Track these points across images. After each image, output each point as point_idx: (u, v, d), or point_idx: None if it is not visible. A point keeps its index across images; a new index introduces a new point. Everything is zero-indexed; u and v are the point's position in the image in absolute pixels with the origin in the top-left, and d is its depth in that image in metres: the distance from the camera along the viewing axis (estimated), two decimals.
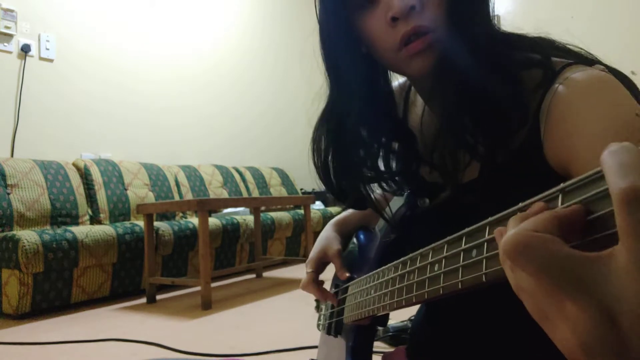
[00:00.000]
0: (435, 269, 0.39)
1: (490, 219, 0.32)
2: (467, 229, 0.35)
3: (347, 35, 0.58)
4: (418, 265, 0.42)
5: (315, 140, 0.66)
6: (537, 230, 0.23)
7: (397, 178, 0.66)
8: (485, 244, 0.32)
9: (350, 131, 0.62)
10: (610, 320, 0.19)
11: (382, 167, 0.66)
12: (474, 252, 0.33)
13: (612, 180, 0.20)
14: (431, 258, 0.40)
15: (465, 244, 0.35)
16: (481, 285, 0.33)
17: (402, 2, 0.51)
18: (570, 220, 0.23)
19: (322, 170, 0.66)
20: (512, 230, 0.23)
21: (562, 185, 0.26)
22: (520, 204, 0.29)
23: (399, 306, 0.46)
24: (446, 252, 0.37)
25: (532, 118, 0.50)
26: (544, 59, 0.51)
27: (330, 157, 0.65)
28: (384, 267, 0.52)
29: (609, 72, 0.49)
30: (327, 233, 0.83)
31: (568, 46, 0.54)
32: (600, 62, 0.51)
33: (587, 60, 0.51)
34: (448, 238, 0.38)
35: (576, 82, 0.47)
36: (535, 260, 0.21)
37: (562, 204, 0.25)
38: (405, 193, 0.67)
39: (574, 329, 0.21)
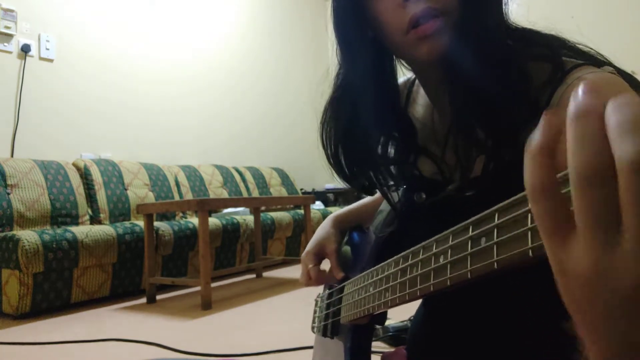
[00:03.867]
0: (441, 260, 0.38)
1: (498, 205, 0.32)
2: (473, 218, 0.35)
3: (357, 15, 0.58)
4: (421, 257, 0.41)
5: (325, 122, 0.66)
6: None
7: (393, 170, 0.66)
8: (496, 230, 0.31)
9: (358, 114, 0.62)
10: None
11: (380, 155, 0.66)
12: (483, 239, 0.33)
13: (618, 144, 0.18)
14: (435, 249, 0.39)
15: (472, 232, 0.34)
16: (492, 274, 0.32)
17: None
18: None
19: (332, 154, 0.65)
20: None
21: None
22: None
23: (402, 301, 0.46)
24: (452, 242, 0.37)
25: (540, 117, 0.50)
26: (554, 56, 0.51)
27: (340, 139, 0.65)
28: (383, 263, 0.51)
29: (617, 74, 0.49)
30: (327, 228, 0.83)
31: (578, 46, 0.54)
32: (610, 64, 0.51)
33: (596, 61, 0.51)
34: (453, 228, 0.37)
35: None
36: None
37: (498, 219, 0.25)
38: (402, 189, 0.67)
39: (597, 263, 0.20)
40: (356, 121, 0.63)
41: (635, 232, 0.19)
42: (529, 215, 0.28)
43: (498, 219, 0.31)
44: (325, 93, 0.66)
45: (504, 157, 0.51)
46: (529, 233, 0.28)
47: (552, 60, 0.51)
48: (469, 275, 0.34)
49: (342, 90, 0.64)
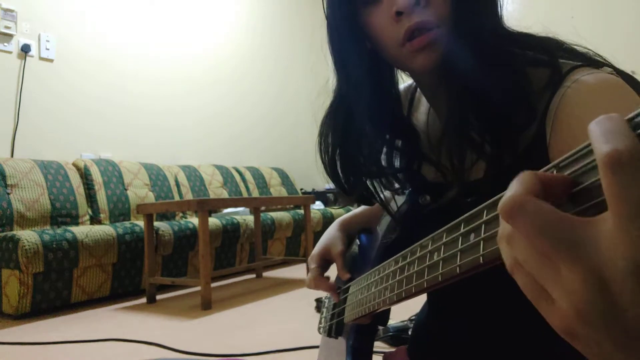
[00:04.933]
0: (435, 257, 0.39)
1: (487, 202, 0.32)
2: (465, 215, 0.35)
3: (353, 30, 0.58)
4: (418, 255, 0.42)
5: (323, 134, 0.66)
6: (529, 193, 0.23)
7: (399, 175, 0.66)
8: (483, 225, 0.32)
9: (356, 126, 0.63)
10: (603, 285, 0.20)
11: (385, 164, 0.66)
12: (472, 235, 0.34)
13: (597, 147, 0.21)
14: (431, 247, 0.40)
15: (463, 229, 0.35)
16: (478, 268, 0.33)
17: None
18: (552, 183, 0.24)
19: (329, 164, 0.66)
20: (509, 192, 0.23)
21: (556, 161, 0.26)
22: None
23: (399, 299, 0.46)
24: (445, 239, 0.38)
25: (539, 120, 0.50)
26: (551, 59, 0.51)
27: (337, 152, 0.65)
28: (384, 263, 0.52)
29: (617, 74, 0.48)
30: (333, 232, 0.83)
31: (575, 47, 0.54)
32: (608, 64, 0.51)
33: (595, 62, 0.51)
34: (447, 226, 0.38)
35: (585, 85, 0.47)
36: (533, 221, 0.21)
37: (486, 216, 0.26)
38: (407, 191, 0.67)
39: (570, 297, 0.21)
40: (354, 131, 0.63)
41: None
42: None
43: (486, 215, 0.32)
44: (326, 102, 0.67)
45: (504, 161, 0.51)
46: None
47: (549, 64, 0.51)
48: (457, 271, 0.35)
49: (339, 101, 0.64)
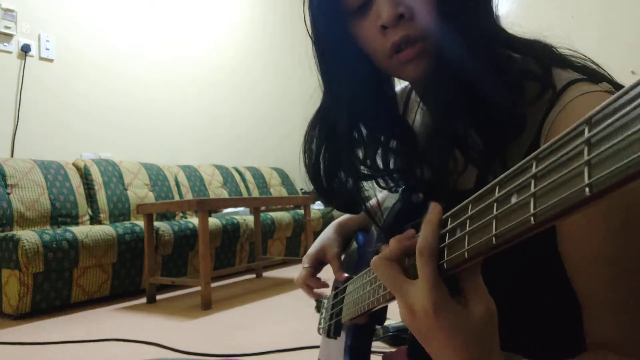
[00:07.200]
0: None
1: (471, 197, 0.35)
2: (451, 211, 0.37)
3: (343, 41, 0.58)
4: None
5: (307, 141, 0.66)
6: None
7: (394, 175, 0.66)
8: (468, 221, 0.34)
9: (346, 131, 0.62)
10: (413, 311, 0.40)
11: (379, 166, 0.66)
12: (457, 230, 0.36)
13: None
14: None
15: (450, 225, 0.37)
16: (464, 263, 0.36)
17: (390, 11, 0.51)
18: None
19: (312, 170, 0.66)
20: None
21: (536, 152, 0.28)
22: (496, 180, 0.32)
23: (392, 297, 0.47)
24: None
25: (534, 136, 0.49)
26: (545, 71, 0.50)
27: (321, 158, 0.65)
28: None
29: (615, 89, 0.47)
30: (329, 233, 0.83)
31: (571, 57, 0.52)
32: (606, 78, 0.50)
33: (592, 76, 0.50)
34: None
35: (581, 109, 0.45)
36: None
37: (536, 168, 0.28)
38: (400, 189, 0.67)
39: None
40: (346, 135, 0.62)
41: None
42: (495, 204, 0.32)
43: (471, 210, 0.34)
44: (315, 101, 0.67)
45: (493, 167, 0.51)
46: (494, 221, 0.31)
47: (542, 78, 0.50)
48: (445, 266, 0.37)
49: (328, 107, 0.64)
